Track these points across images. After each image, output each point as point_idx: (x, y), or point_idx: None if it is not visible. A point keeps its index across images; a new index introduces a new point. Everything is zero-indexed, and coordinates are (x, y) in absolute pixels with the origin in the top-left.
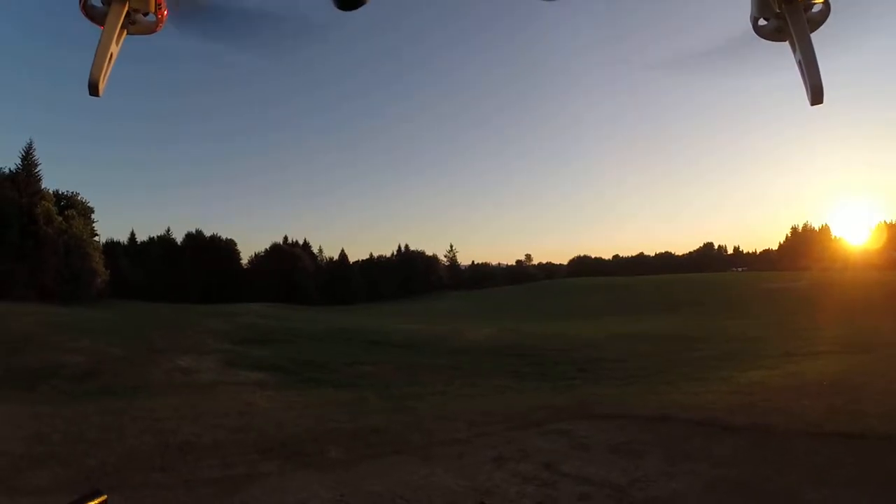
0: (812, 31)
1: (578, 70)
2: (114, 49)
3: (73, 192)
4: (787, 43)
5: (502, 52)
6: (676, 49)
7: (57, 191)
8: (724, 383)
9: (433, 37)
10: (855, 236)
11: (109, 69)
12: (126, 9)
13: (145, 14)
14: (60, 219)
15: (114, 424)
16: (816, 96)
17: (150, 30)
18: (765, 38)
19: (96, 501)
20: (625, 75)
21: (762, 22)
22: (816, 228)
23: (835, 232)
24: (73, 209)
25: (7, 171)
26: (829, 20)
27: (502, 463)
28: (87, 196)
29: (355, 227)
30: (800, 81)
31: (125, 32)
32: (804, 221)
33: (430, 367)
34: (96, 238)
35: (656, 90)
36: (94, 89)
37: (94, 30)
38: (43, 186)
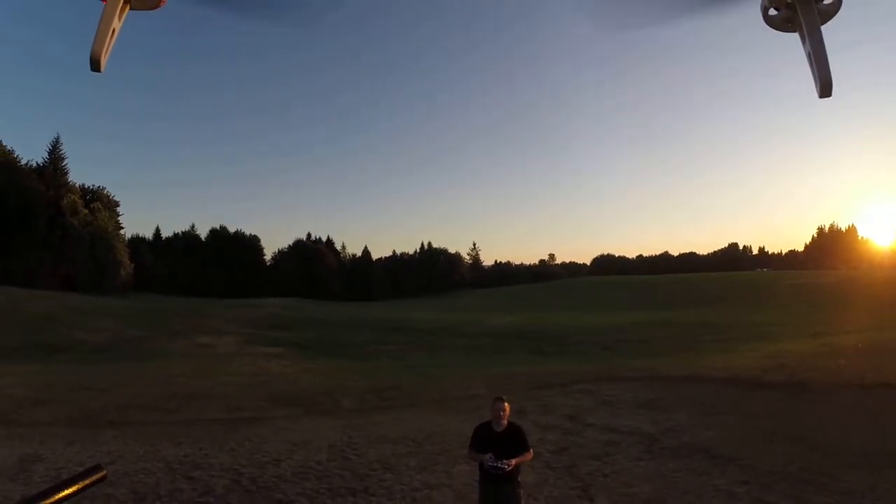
0: (823, 22)
1: (604, 71)
2: (116, 24)
3: (99, 187)
4: (796, 34)
5: (528, 54)
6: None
7: (83, 185)
8: (754, 352)
9: (459, 38)
10: (883, 237)
11: (111, 45)
12: None
13: None
14: (86, 211)
15: (124, 379)
16: (825, 89)
17: (154, 5)
18: (774, 28)
19: (95, 477)
20: (649, 76)
21: (772, 11)
22: (843, 229)
23: (862, 233)
24: (99, 202)
25: (35, 164)
26: (840, 13)
27: (523, 415)
28: (114, 192)
29: (378, 224)
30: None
31: (128, 7)
32: (831, 222)
33: (451, 347)
34: (122, 231)
35: (682, 91)
36: (95, 65)
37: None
38: (70, 180)
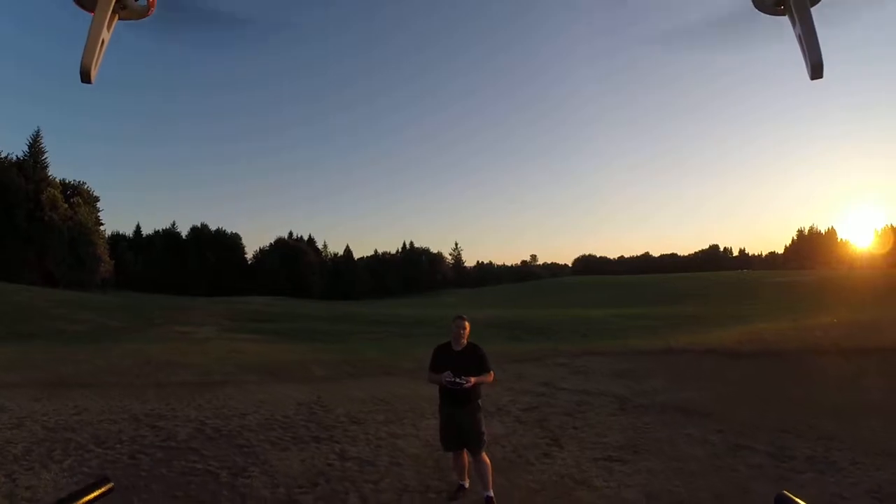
0: (812, 4)
1: (586, 73)
2: (105, 35)
3: (79, 181)
4: (786, 17)
5: (509, 54)
6: (683, 46)
7: (63, 179)
8: (731, 330)
9: (444, 41)
10: (861, 240)
11: (101, 56)
12: None
13: None
14: (66, 206)
15: (99, 353)
16: (816, 71)
17: (142, 15)
18: (764, 12)
19: (103, 489)
20: (633, 79)
21: None
22: (823, 232)
23: (841, 235)
24: (79, 197)
25: (14, 157)
26: None
27: (499, 382)
28: (94, 188)
29: (360, 224)
30: (803, 68)
31: (116, 18)
32: (810, 224)
33: (430, 334)
34: (102, 227)
35: (665, 94)
36: (85, 76)
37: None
38: (50, 174)
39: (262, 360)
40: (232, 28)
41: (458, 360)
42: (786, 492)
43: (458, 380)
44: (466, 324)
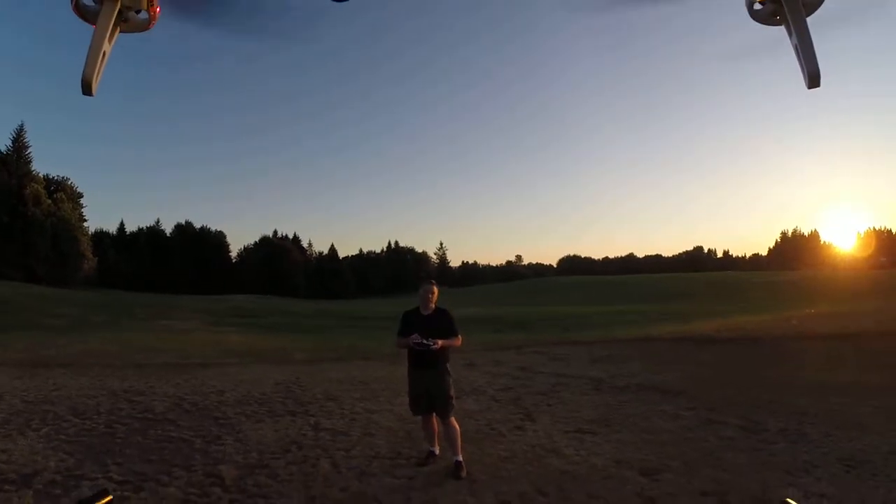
0: (808, 14)
1: (572, 76)
2: (107, 47)
3: (62, 177)
4: (783, 28)
5: (494, 55)
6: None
7: (47, 175)
8: (711, 322)
9: (427, 41)
10: (844, 242)
11: (103, 68)
12: (118, 7)
13: (137, 12)
14: (49, 202)
15: (79, 339)
16: (813, 80)
17: (143, 27)
18: (760, 23)
19: (102, 502)
20: (619, 82)
21: (757, 6)
22: (806, 234)
23: (824, 237)
24: (63, 193)
25: None
26: (825, 4)
27: (474, 367)
28: (78, 185)
29: (345, 223)
30: (796, 75)
31: (118, 31)
32: (794, 227)
33: None
34: (85, 223)
35: (651, 97)
36: (87, 88)
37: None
38: (33, 170)
39: (242, 346)
40: (217, 28)
41: (427, 324)
42: (789, 500)
43: (425, 341)
44: (435, 289)
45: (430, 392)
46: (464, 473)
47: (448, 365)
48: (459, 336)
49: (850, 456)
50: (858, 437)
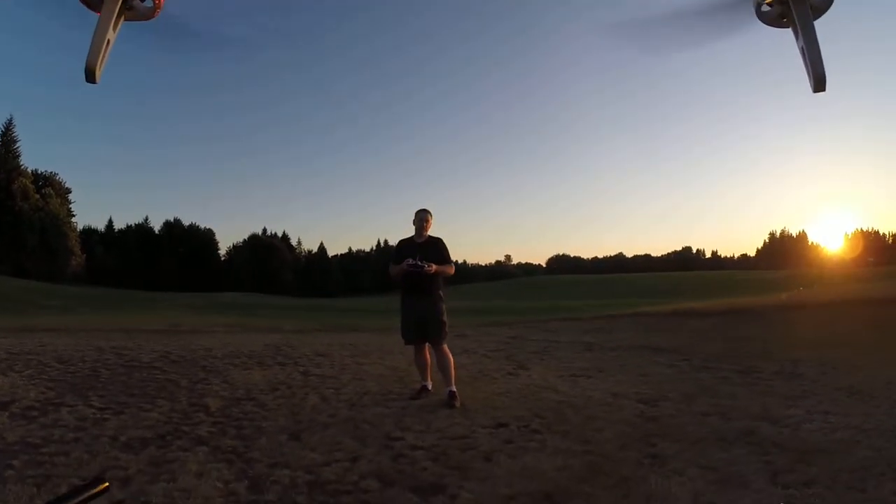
0: (815, 18)
1: (563, 78)
2: (111, 35)
3: (51, 172)
4: (789, 30)
5: (485, 57)
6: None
7: (35, 170)
8: (701, 303)
9: (417, 42)
10: (832, 243)
11: (106, 56)
12: None
13: (143, 0)
14: (38, 196)
15: (67, 317)
16: (819, 84)
17: (148, 16)
18: (767, 24)
19: (98, 489)
20: (611, 84)
21: (765, 7)
22: (794, 235)
23: (812, 238)
24: (51, 188)
25: None
26: (832, 8)
27: (466, 338)
28: (66, 181)
29: (334, 221)
30: (796, 76)
31: (122, 19)
32: (782, 227)
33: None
34: (73, 219)
35: (642, 98)
36: (90, 76)
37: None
38: (22, 164)
39: (232, 323)
40: (207, 32)
41: (420, 250)
42: None
43: (419, 262)
44: (429, 216)
45: (423, 318)
46: (457, 403)
47: (441, 292)
48: (452, 265)
49: (848, 386)
50: (854, 373)
